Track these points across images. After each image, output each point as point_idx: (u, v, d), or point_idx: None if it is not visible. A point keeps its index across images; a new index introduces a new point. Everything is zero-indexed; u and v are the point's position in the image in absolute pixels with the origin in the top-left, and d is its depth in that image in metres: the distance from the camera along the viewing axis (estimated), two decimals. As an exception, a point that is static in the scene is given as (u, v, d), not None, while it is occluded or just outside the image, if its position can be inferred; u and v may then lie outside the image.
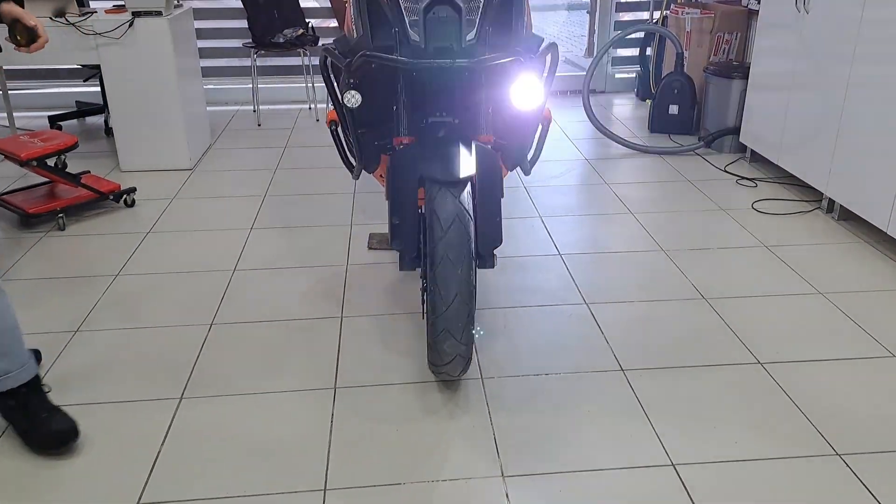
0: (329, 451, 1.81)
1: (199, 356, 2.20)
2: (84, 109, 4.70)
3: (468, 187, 1.84)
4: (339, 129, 2.29)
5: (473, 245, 1.78)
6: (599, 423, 1.90)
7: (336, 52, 2.05)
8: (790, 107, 3.37)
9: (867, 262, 2.76)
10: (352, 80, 2.01)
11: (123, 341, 2.28)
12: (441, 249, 1.75)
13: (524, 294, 2.55)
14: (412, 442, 1.84)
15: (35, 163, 3.03)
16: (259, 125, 4.64)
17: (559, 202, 3.37)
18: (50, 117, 4.55)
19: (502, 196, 2.03)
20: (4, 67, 4.08)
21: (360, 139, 2.21)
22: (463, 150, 1.88)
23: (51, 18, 3.51)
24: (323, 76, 2.16)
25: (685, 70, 4.37)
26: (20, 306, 2.48)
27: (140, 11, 3.55)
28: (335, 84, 2.18)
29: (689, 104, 4.28)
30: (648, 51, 4.99)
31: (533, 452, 1.80)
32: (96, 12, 3.64)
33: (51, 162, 3.12)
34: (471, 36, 1.83)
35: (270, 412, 1.95)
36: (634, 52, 5.22)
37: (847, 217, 3.12)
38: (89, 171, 3.55)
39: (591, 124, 4.32)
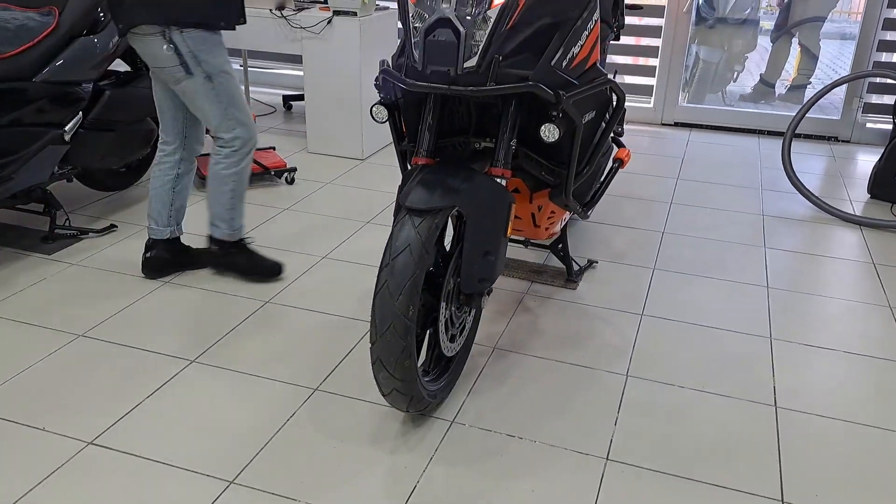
0: (263, 448, 1.86)
1: (235, 328, 2.39)
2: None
3: (440, 219, 1.72)
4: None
5: (420, 281, 1.67)
6: (533, 508, 1.68)
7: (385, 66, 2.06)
8: None
9: None
10: (382, 95, 2.01)
11: (186, 297, 2.56)
12: (383, 276, 1.68)
13: (566, 347, 2.31)
14: (338, 463, 1.80)
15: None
16: (449, 127, 4.78)
17: (686, 255, 2.96)
18: (284, 96, 5.20)
19: (504, 234, 1.88)
20: (248, 49, 4.75)
21: (405, 153, 2.20)
22: (449, 180, 1.77)
23: (270, 11, 4.01)
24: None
25: (932, 128, 3.52)
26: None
27: (339, 10, 3.89)
28: None
29: (925, 170, 3.44)
30: (910, 100, 4.10)
31: (440, 514, 1.66)
32: (311, 8, 4.07)
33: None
34: (471, 63, 1.71)
35: (243, 393, 2.05)
36: (892, 99, 4.32)
37: None
38: (274, 148, 4.01)
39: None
